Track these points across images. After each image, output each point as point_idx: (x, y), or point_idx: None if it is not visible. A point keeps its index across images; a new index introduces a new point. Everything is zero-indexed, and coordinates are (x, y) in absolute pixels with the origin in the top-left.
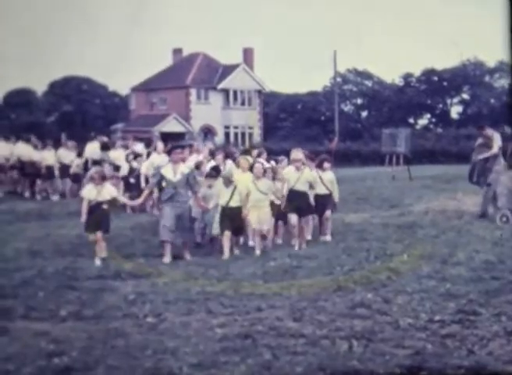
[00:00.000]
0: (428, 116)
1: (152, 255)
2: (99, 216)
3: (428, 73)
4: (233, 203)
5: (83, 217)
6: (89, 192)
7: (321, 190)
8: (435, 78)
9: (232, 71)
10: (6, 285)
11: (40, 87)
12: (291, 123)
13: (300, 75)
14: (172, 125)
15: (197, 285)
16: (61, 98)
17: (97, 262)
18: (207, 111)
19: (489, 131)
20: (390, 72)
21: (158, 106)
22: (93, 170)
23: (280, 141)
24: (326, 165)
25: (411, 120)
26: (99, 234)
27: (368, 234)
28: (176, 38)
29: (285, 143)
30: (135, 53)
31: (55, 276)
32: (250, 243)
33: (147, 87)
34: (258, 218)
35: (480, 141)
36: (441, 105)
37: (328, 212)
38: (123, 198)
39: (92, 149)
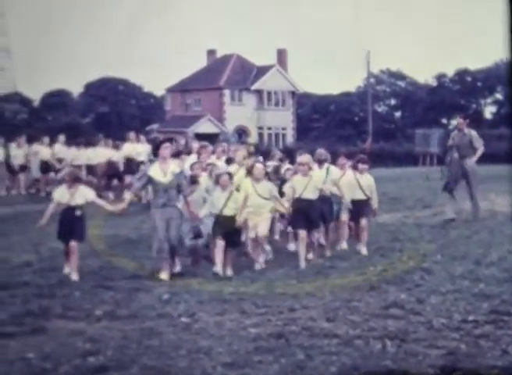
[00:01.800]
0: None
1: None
2: (72, 223)
3: (462, 74)
4: (228, 211)
5: (43, 221)
6: (61, 195)
7: (358, 195)
8: (469, 78)
9: (265, 72)
10: (43, 285)
11: (76, 89)
12: (324, 123)
13: (334, 76)
14: (206, 126)
15: (231, 285)
16: (97, 99)
17: (75, 276)
18: (240, 112)
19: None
20: (423, 72)
21: (193, 107)
22: (66, 171)
23: (313, 142)
24: (362, 166)
25: (444, 121)
26: (73, 244)
27: (401, 234)
28: (210, 40)
29: (317, 144)
30: (170, 54)
31: (90, 276)
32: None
33: (181, 88)
34: (257, 225)
35: (456, 140)
36: (474, 106)
37: (363, 221)
38: (102, 202)
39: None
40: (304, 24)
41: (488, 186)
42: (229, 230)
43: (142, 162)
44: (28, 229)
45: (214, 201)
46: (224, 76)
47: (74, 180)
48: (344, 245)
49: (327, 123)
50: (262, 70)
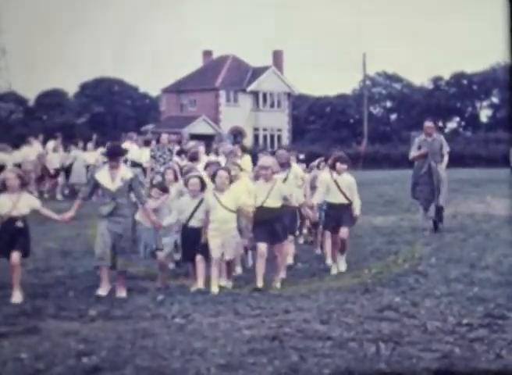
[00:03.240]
0: (458, 119)
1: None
2: (14, 236)
3: (458, 77)
4: (195, 222)
5: None
6: (2, 205)
7: (336, 198)
8: (465, 81)
9: (261, 73)
10: (37, 285)
11: (71, 89)
12: (320, 125)
13: (330, 78)
14: (201, 127)
15: (225, 287)
16: (92, 99)
17: (16, 297)
18: (236, 113)
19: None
20: (419, 75)
21: (188, 108)
22: (6, 174)
23: (309, 144)
24: (341, 166)
25: (440, 124)
26: (14, 257)
27: (396, 237)
28: (206, 41)
29: (313, 145)
30: (166, 55)
31: (84, 276)
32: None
33: (177, 89)
34: (222, 245)
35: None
36: (470, 109)
37: (344, 230)
38: (47, 211)
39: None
40: (300, 26)
41: (484, 189)
42: (195, 245)
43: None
44: None
45: (182, 207)
46: (220, 77)
47: (21, 185)
48: (342, 266)
49: (323, 125)
50: (258, 71)
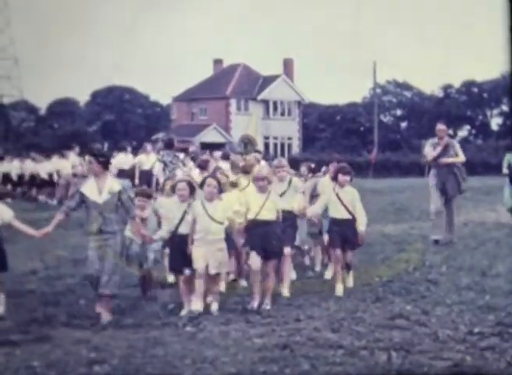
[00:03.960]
0: (468, 127)
1: None
2: None
3: (468, 85)
4: (186, 229)
5: None
6: None
7: (339, 213)
8: (475, 89)
9: (272, 82)
10: (48, 293)
11: (82, 97)
12: (330, 133)
13: (340, 86)
14: (212, 135)
15: (236, 295)
16: (103, 108)
17: None
18: (247, 121)
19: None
20: (430, 83)
21: (199, 116)
22: None
23: (319, 152)
24: (343, 178)
25: (451, 132)
26: None
27: (407, 245)
28: (217, 49)
29: (323, 154)
30: (177, 63)
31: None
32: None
33: (188, 98)
34: (205, 256)
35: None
36: (481, 117)
37: (349, 255)
38: (21, 225)
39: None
40: (310, 34)
41: (495, 197)
42: (185, 255)
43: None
44: (34, 237)
45: (170, 215)
46: (230, 85)
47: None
48: (339, 290)
49: (333, 133)
50: (268, 80)
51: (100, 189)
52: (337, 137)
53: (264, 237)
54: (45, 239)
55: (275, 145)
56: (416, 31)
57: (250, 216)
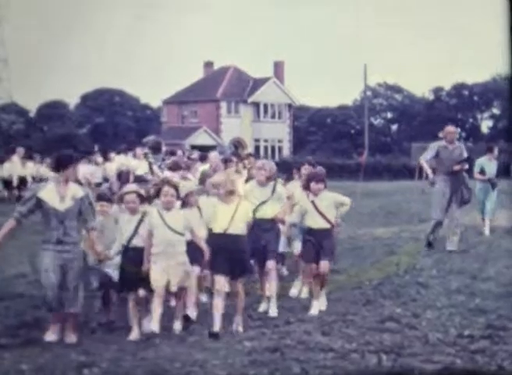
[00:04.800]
0: (458, 130)
1: None
2: None
3: (459, 88)
4: (138, 241)
5: None
6: None
7: (316, 222)
8: (466, 92)
9: (262, 84)
10: (37, 296)
11: (72, 100)
12: (321, 136)
13: (331, 89)
14: (202, 138)
15: (226, 298)
16: (93, 110)
17: None
18: (237, 124)
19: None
20: (420, 86)
21: (189, 119)
22: None
23: (309, 155)
24: (316, 186)
25: (441, 134)
26: None
27: (398, 248)
28: (207, 52)
29: (314, 156)
30: (167, 66)
31: (85, 288)
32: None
33: (178, 100)
34: (165, 272)
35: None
36: (471, 120)
37: (324, 264)
38: None
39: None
40: (300, 37)
41: None
42: (139, 271)
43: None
44: (23, 240)
45: (122, 228)
46: (221, 88)
47: None
48: (314, 308)
49: (323, 136)
50: (259, 82)
51: (62, 195)
52: (328, 139)
53: (232, 255)
54: (35, 243)
55: (266, 148)
56: (407, 34)
57: (217, 231)
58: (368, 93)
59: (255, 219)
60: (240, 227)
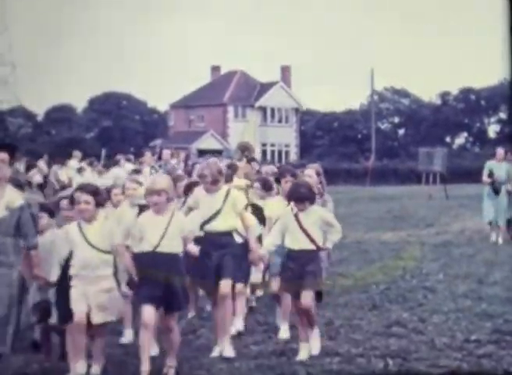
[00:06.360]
0: (465, 134)
1: None
2: None
3: (466, 92)
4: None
5: None
6: None
7: (297, 242)
8: (473, 97)
9: (269, 89)
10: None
11: (80, 103)
12: (327, 140)
13: (337, 93)
14: (209, 142)
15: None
16: (100, 114)
17: None
18: (244, 128)
19: None
20: (427, 90)
21: (196, 123)
22: None
23: (316, 159)
24: (299, 206)
25: (448, 139)
26: None
27: (404, 253)
28: (214, 56)
29: (321, 161)
30: (175, 70)
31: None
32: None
33: (185, 104)
34: (84, 300)
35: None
36: (478, 124)
37: (306, 296)
38: None
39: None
40: (307, 41)
41: None
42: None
43: None
44: None
45: (57, 245)
46: (228, 92)
47: None
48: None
49: (330, 141)
50: (266, 87)
51: None
52: (335, 144)
53: (163, 280)
54: None
55: (273, 152)
56: (414, 38)
57: (146, 249)
58: (375, 97)
59: (205, 233)
60: (173, 244)
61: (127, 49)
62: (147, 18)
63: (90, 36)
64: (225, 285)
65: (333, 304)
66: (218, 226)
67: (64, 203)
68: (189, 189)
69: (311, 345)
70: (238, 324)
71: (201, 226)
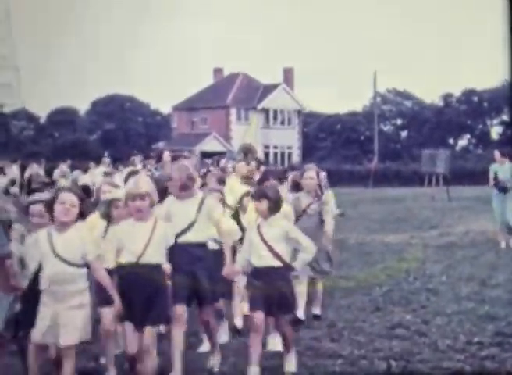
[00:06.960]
0: (468, 136)
1: None
2: None
3: (468, 94)
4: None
5: None
6: None
7: (260, 257)
8: (476, 99)
9: (272, 91)
10: None
11: (83, 106)
12: (330, 142)
13: (340, 95)
14: (212, 144)
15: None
16: (103, 117)
17: None
18: (246, 130)
19: None
20: (430, 92)
21: (199, 125)
22: None
23: (319, 161)
24: (256, 204)
25: (451, 141)
26: None
27: (407, 255)
28: (217, 58)
29: (324, 163)
30: (177, 72)
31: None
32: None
33: (188, 107)
34: (52, 318)
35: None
36: (481, 126)
37: (281, 323)
38: None
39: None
40: (310, 43)
41: None
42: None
43: None
44: None
45: (29, 253)
46: (230, 94)
47: None
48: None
49: (333, 143)
50: (268, 89)
51: None
52: (337, 146)
53: (147, 294)
54: None
55: (276, 154)
56: (416, 40)
57: (128, 260)
58: (378, 99)
59: (178, 245)
60: (157, 254)
61: (131, 52)
62: (150, 20)
63: (94, 39)
64: (205, 314)
65: (336, 306)
66: (192, 237)
67: (36, 209)
68: (163, 195)
69: (288, 365)
70: (238, 324)
71: (175, 238)
